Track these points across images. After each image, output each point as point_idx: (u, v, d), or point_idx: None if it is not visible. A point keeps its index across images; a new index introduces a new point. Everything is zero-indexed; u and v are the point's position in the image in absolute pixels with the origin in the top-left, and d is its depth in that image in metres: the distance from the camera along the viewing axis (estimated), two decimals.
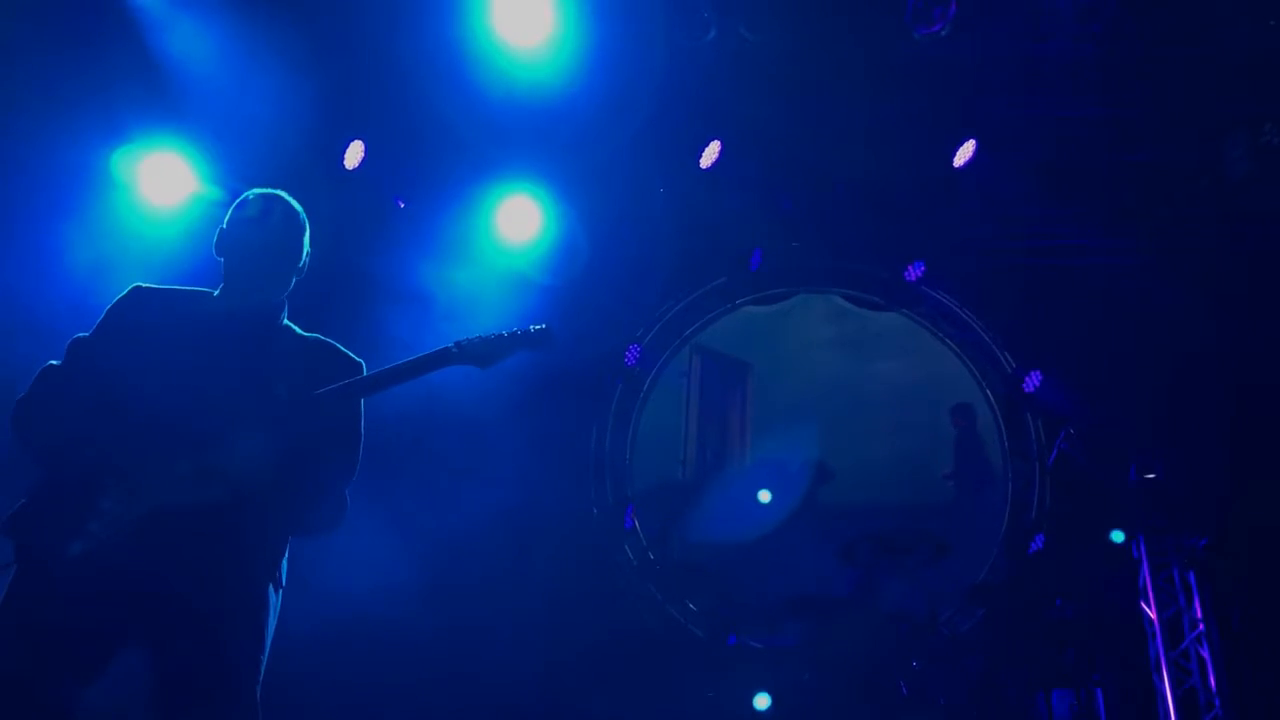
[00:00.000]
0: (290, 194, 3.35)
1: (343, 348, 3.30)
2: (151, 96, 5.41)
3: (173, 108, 5.49)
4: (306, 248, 3.29)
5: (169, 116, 5.52)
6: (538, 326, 3.20)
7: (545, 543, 6.12)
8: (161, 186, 5.59)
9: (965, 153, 6.05)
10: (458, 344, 3.16)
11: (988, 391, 6.66)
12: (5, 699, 2.82)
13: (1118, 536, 5.77)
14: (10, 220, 5.29)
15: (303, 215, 3.29)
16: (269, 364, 3.12)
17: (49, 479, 3.00)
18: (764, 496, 6.43)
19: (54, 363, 3.12)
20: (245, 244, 3.18)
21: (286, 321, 3.29)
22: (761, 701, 5.73)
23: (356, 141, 5.99)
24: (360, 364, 3.29)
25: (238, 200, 3.26)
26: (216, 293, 3.26)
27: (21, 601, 2.89)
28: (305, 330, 3.31)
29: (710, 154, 6.14)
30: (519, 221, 6.25)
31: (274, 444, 3.01)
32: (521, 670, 5.80)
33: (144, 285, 3.23)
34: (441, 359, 3.15)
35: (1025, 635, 5.47)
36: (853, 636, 5.30)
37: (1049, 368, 6.51)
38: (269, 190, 3.29)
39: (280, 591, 3.14)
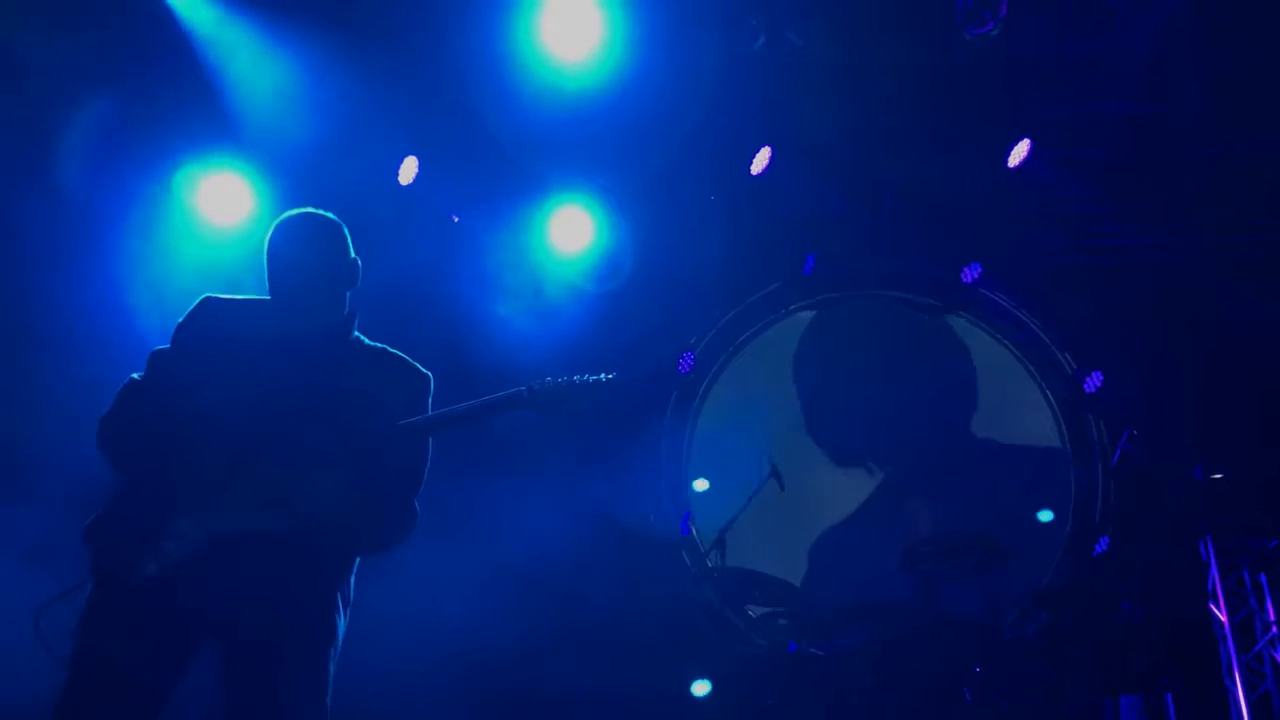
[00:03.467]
0: (345, 211, 3.40)
1: (411, 361, 3.34)
2: (209, 118, 5.52)
3: (230, 129, 5.60)
4: (349, 259, 3.31)
5: (226, 137, 5.63)
6: (607, 376, 3.24)
7: (602, 552, 6.14)
8: (222, 206, 5.70)
9: (1020, 152, 5.99)
10: (529, 389, 3.21)
11: (1048, 393, 6.58)
12: (81, 715, 2.89)
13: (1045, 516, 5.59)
14: (81, 240, 5.42)
15: (336, 228, 3.31)
16: (341, 382, 3.17)
17: (127, 492, 3.07)
18: (700, 485, 6.41)
19: (135, 376, 3.19)
20: (282, 275, 3.23)
21: (356, 334, 3.33)
22: (700, 688, 5.76)
23: (410, 157, 6.06)
24: (428, 377, 3.33)
25: (275, 226, 3.31)
26: (279, 303, 3.30)
27: (99, 616, 2.96)
28: (372, 341, 3.36)
29: (761, 160, 6.14)
30: (571, 232, 6.30)
31: (347, 470, 3.06)
32: (579, 680, 5.82)
33: (214, 296, 3.29)
34: (512, 402, 3.20)
35: (1091, 640, 5.38)
36: (915, 642, 5.25)
37: (1110, 368, 6.42)
38: (297, 211, 3.32)
39: (348, 608, 3.18)
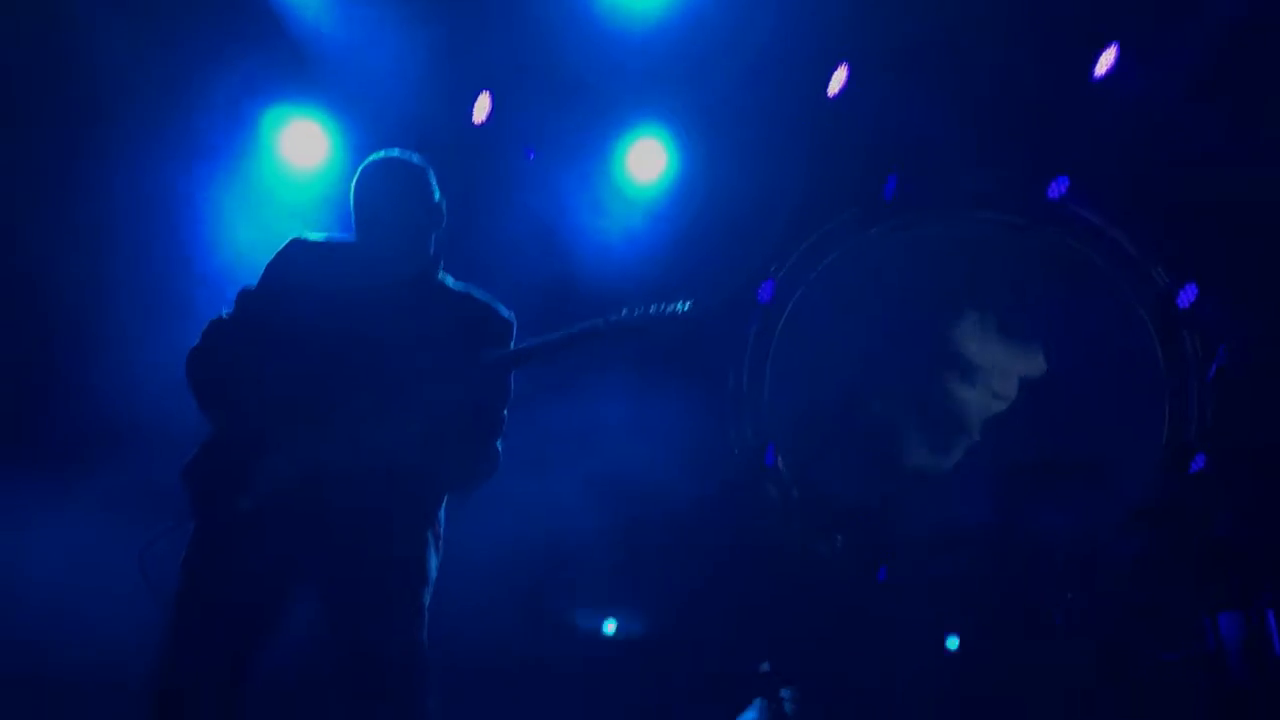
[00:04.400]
0: (421, 150, 3.41)
1: (495, 303, 3.37)
2: (289, 63, 5.57)
3: (308, 73, 5.64)
4: (434, 201, 3.32)
5: (306, 82, 5.68)
6: (684, 305, 3.23)
7: (687, 485, 6.16)
8: (302, 149, 5.77)
9: (1106, 61, 5.80)
10: (606, 321, 3.22)
11: (1140, 308, 6.40)
12: (186, 649, 2.99)
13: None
14: (170, 186, 5.52)
15: (423, 171, 3.33)
16: (426, 323, 3.21)
17: (219, 432, 3.15)
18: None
19: (223, 313, 3.25)
20: (368, 218, 3.26)
21: (441, 275, 3.37)
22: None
23: (484, 94, 6.04)
24: (511, 320, 3.37)
25: (362, 167, 3.34)
26: (365, 244, 3.34)
27: (200, 554, 3.06)
28: (457, 282, 3.39)
29: (838, 80, 6.02)
30: (647, 163, 6.26)
31: (430, 409, 3.11)
32: (664, 613, 5.89)
33: (303, 237, 3.34)
34: (590, 335, 3.21)
35: (1188, 559, 5.28)
36: (1005, 567, 5.21)
37: (1205, 280, 6.23)
38: (382, 154, 3.34)
39: (441, 542, 3.25)
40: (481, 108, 6.06)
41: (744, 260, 6.62)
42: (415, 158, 3.32)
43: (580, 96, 6.09)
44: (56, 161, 5.34)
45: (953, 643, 5.13)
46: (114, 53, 5.20)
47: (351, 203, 3.28)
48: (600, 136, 6.25)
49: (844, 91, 6.03)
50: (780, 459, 6.63)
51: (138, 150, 5.43)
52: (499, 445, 3.26)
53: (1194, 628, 5.10)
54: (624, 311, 3.22)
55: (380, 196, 3.23)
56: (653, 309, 3.21)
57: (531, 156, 6.33)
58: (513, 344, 3.31)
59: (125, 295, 5.30)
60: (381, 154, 3.33)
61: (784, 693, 3.78)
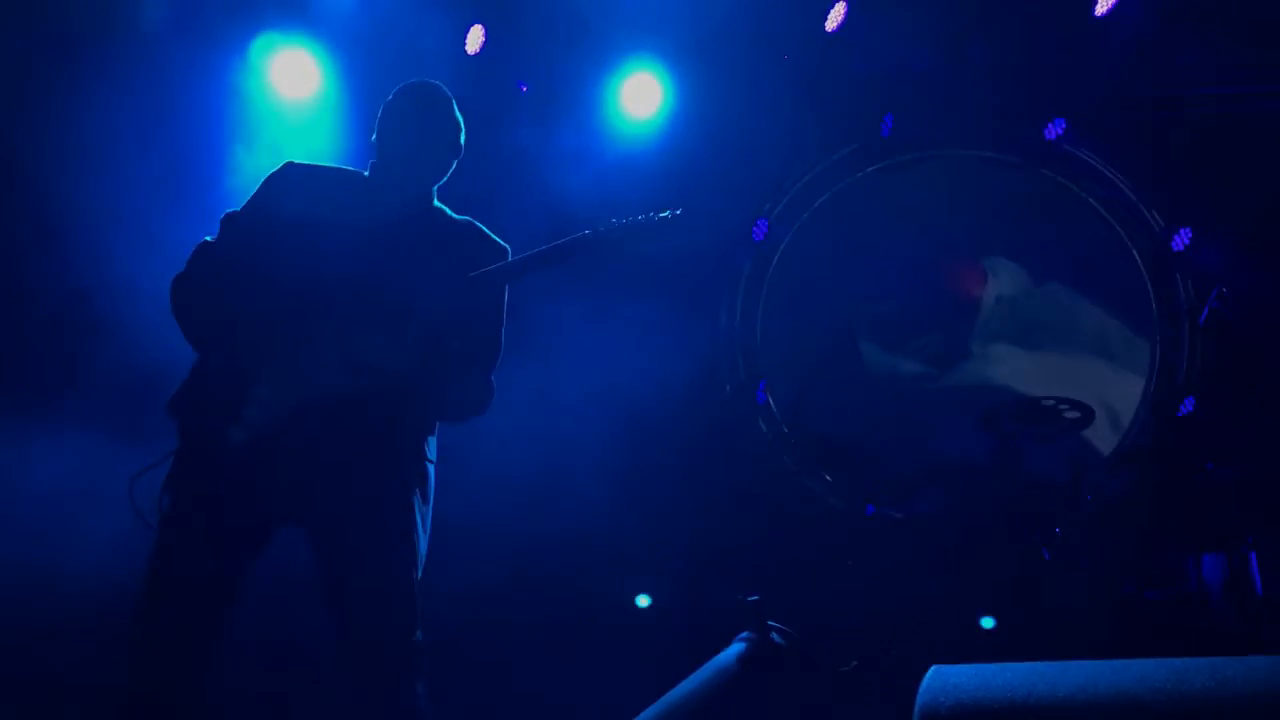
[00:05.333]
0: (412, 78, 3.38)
1: (490, 232, 3.35)
2: None
3: (300, 3, 5.56)
4: (461, 133, 3.32)
5: (296, 11, 5.60)
6: (672, 211, 3.20)
7: (678, 421, 6.19)
8: (292, 81, 5.70)
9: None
10: (594, 231, 3.19)
11: (1134, 251, 6.40)
12: (173, 579, 3.00)
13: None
14: (161, 112, 5.46)
15: (452, 102, 3.32)
16: (420, 248, 3.19)
17: (207, 362, 3.12)
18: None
19: (208, 239, 3.21)
20: (402, 136, 3.24)
21: (438, 204, 3.34)
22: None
23: (476, 26, 5.97)
24: (506, 248, 3.35)
25: (396, 90, 3.30)
26: (368, 174, 3.31)
27: (187, 484, 3.05)
28: (454, 212, 3.37)
29: (836, 16, 5.95)
30: (641, 99, 6.19)
31: (422, 329, 3.09)
32: (656, 548, 5.93)
33: (295, 162, 3.30)
34: (578, 246, 3.18)
35: (1174, 500, 5.33)
36: (994, 503, 5.26)
37: (1200, 225, 6.21)
38: (421, 81, 3.32)
39: (433, 467, 3.24)
40: (475, 39, 5.98)
41: (738, 198, 6.59)
42: (443, 88, 3.31)
43: (574, 29, 6.02)
44: (50, 84, 5.27)
45: (988, 622, 5.15)
46: None
47: (381, 119, 3.25)
48: (594, 71, 6.18)
49: (842, 27, 5.96)
50: (771, 397, 6.65)
51: (128, 79, 5.35)
52: (492, 378, 3.26)
53: (1178, 568, 5.16)
54: (612, 221, 3.20)
55: (416, 122, 3.21)
56: (640, 217, 3.19)
57: (524, 89, 6.26)
58: None
59: (115, 225, 5.25)
60: (417, 81, 3.32)
61: (771, 624, 3.81)
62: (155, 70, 5.37)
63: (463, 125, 3.32)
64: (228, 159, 5.37)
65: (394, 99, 3.27)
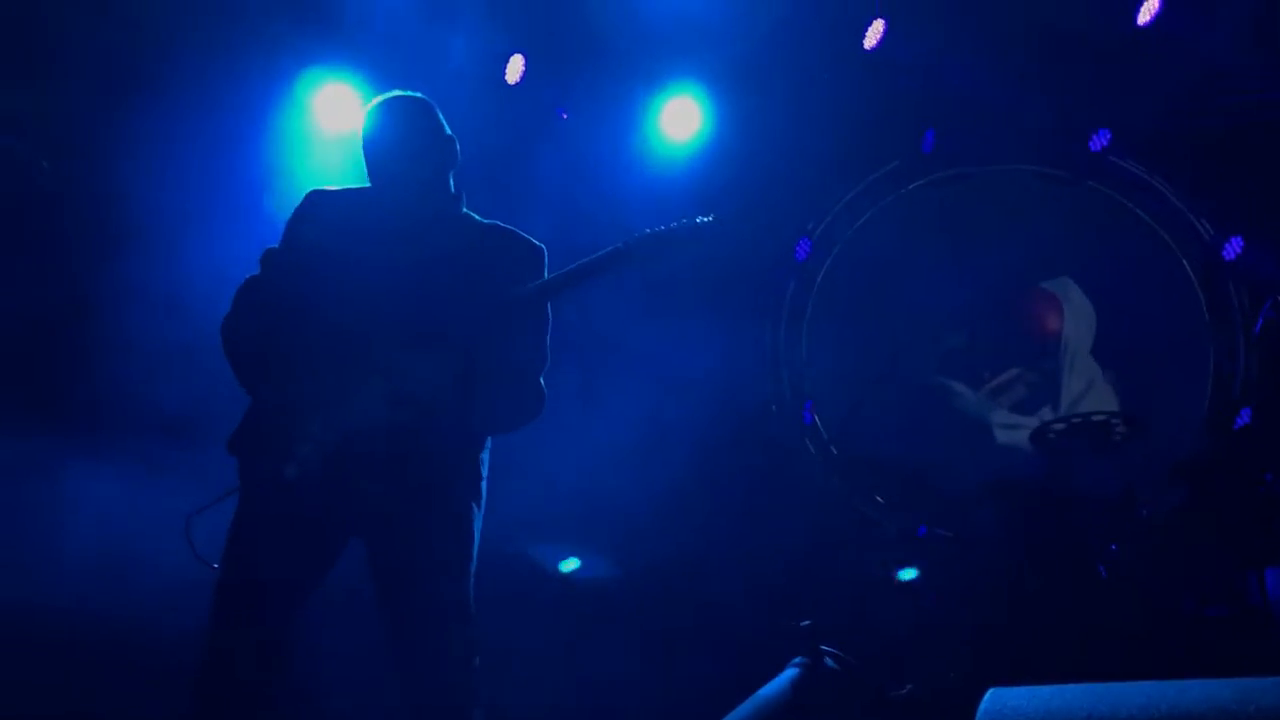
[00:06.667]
0: (453, 111, 3.38)
1: (523, 233, 3.31)
2: (321, 24, 5.56)
3: (341, 33, 5.63)
4: (445, 135, 3.27)
5: (338, 43, 5.67)
6: (705, 218, 3.16)
7: (727, 443, 6.16)
8: (335, 112, 5.76)
9: (1151, 8, 5.67)
10: (625, 243, 3.15)
11: (1184, 262, 6.31)
12: (231, 618, 3.01)
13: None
14: (213, 146, 5.54)
15: (429, 107, 3.27)
16: (453, 258, 3.16)
17: (260, 400, 3.15)
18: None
19: (253, 275, 3.24)
20: (380, 159, 3.22)
21: (465, 210, 3.32)
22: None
23: (517, 55, 6.02)
24: (542, 249, 3.30)
25: (366, 111, 3.29)
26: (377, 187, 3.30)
27: (247, 521, 3.07)
28: (483, 218, 3.34)
29: (874, 34, 5.94)
30: (681, 123, 6.20)
31: (464, 344, 3.08)
32: (705, 570, 5.90)
33: (319, 188, 3.30)
34: (613, 259, 3.14)
35: (1233, 513, 5.23)
36: (1048, 521, 5.18)
37: (1251, 233, 6.12)
38: (385, 95, 3.29)
39: (484, 484, 3.23)
40: (515, 69, 6.03)
41: (780, 218, 6.58)
42: (418, 94, 3.28)
43: (613, 56, 6.05)
44: (98, 122, 5.37)
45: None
46: (156, 15, 5.24)
47: (361, 145, 3.25)
48: (633, 96, 6.21)
49: (881, 45, 5.94)
50: (818, 417, 6.61)
51: (177, 117, 5.44)
52: (542, 381, 3.21)
53: (1238, 583, 5.05)
54: (646, 230, 3.15)
55: (389, 136, 3.16)
56: (674, 224, 3.15)
57: (564, 116, 6.30)
58: (546, 271, 3.25)
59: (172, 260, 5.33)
60: (384, 95, 3.29)
61: (825, 649, 3.77)
62: (201, 107, 5.46)
63: (446, 127, 3.24)
64: (273, 194, 5.43)
65: (366, 118, 3.21)
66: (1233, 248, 6.12)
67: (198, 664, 3.01)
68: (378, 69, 5.77)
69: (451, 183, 3.28)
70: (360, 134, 3.25)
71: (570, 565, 5.97)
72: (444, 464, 3.10)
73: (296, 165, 5.70)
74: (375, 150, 3.21)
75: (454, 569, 3.09)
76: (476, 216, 3.31)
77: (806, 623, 3.86)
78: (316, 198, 3.26)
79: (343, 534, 3.11)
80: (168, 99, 5.36)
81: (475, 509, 3.16)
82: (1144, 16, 5.72)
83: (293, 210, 3.26)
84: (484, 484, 3.20)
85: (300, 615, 3.14)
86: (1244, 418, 6.01)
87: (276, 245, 3.25)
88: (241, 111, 5.62)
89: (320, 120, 5.78)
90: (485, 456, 3.23)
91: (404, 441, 3.03)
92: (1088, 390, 6.39)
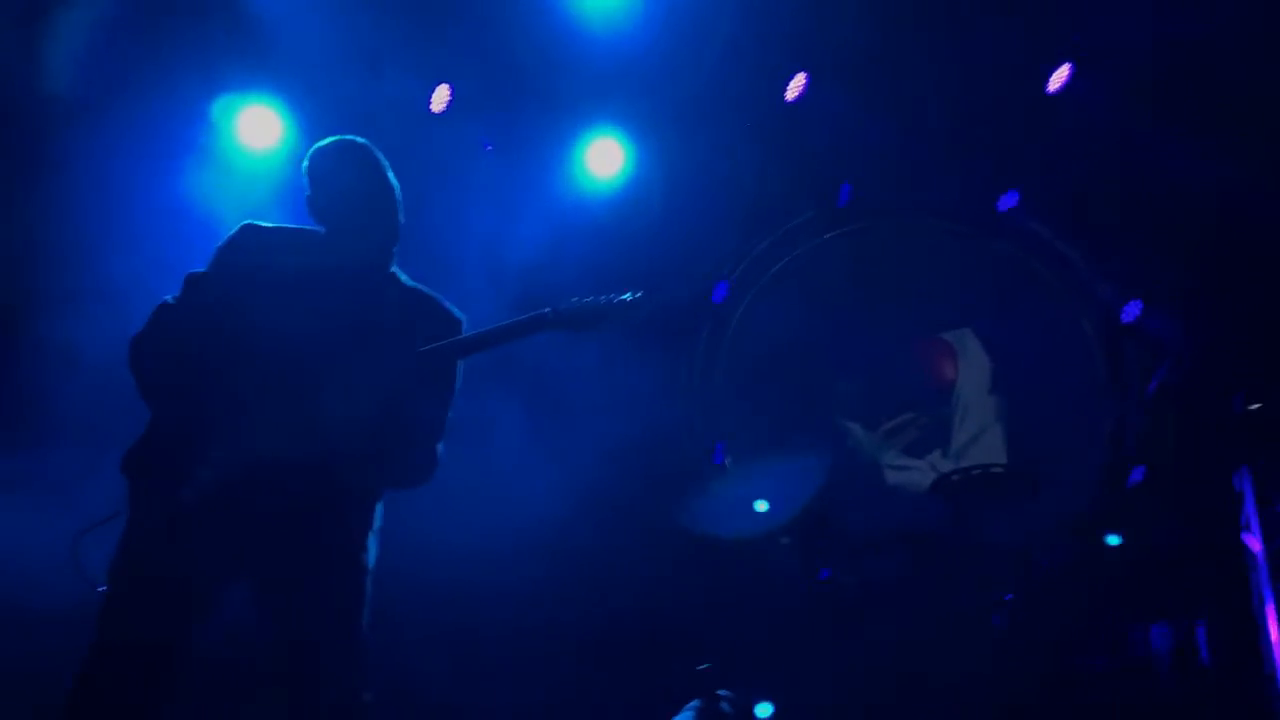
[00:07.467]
0: (377, 138, 3.38)
1: (445, 302, 3.34)
2: (243, 47, 5.52)
3: (263, 57, 5.59)
4: (397, 189, 3.31)
5: (260, 66, 5.63)
6: (633, 296, 3.20)
7: (639, 481, 6.18)
8: (257, 132, 5.73)
9: (1060, 76, 5.88)
10: (554, 310, 3.18)
11: (1084, 322, 6.51)
12: (122, 636, 2.95)
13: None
14: (127, 166, 5.45)
15: (380, 156, 3.30)
16: (374, 315, 3.17)
17: (162, 420, 3.09)
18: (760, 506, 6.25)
19: (168, 299, 3.19)
20: (344, 212, 3.21)
21: (394, 269, 3.32)
22: None
23: (443, 85, 6.02)
24: (461, 320, 3.33)
25: (315, 153, 3.27)
26: (324, 231, 3.28)
27: (139, 543, 3.01)
28: (410, 279, 3.35)
29: (796, 86, 6.06)
30: (604, 162, 6.27)
31: (373, 399, 3.07)
32: (605, 610, 5.90)
33: (255, 223, 3.27)
34: (537, 324, 3.17)
35: (1124, 569, 5.39)
36: (946, 569, 5.28)
37: (1150, 296, 6.33)
38: (339, 139, 3.29)
39: (375, 536, 3.22)
40: (440, 98, 6.03)
41: (699, 260, 6.65)
42: (368, 144, 3.28)
43: (540, 91, 6.09)
44: (21, 150, 5.28)
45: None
46: (70, 43, 5.16)
47: (313, 188, 3.22)
48: (559, 132, 6.25)
49: (802, 97, 6.07)
50: (729, 458, 6.67)
51: (99, 140, 5.36)
52: (440, 448, 3.21)
53: (1126, 637, 5.19)
54: (573, 300, 3.19)
55: (361, 189, 3.17)
56: (602, 298, 3.19)
57: (489, 148, 6.31)
58: None
59: (80, 279, 5.23)
60: (336, 138, 3.28)
61: (721, 693, 3.79)
62: (126, 126, 5.38)
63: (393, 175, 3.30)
64: (194, 213, 5.37)
65: (330, 162, 3.23)
66: (1132, 310, 6.32)
67: (75, 690, 2.92)
68: (301, 91, 5.75)
69: (396, 237, 3.30)
70: (317, 173, 3.22)
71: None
72: (342, 509, 3.09)
73: (218, 184, 5.63)
74: (342, 198, 3.19)
75: (347, 608, 3.07)
76: (403, 276, 3.33)
77: (704, 666, 3.88)
78: (253, 231, 3.24)
79: (233, 565, 3.05)
80: (91, 116, 5.28)
81: (367, 558, 3.15)
82: (1054, 84, 5.91)
83: (225, 239, 3.23)
84: (374, 537, 3.19)
85: (189, 643, 3.07)
86: (1137, 476, 6.18)
87: (203, 270, 3.21)
88: (163, 130, 5.55)
89: (244, 140, 5.73)
90: (380, 509, 3.22)
91: (306, 481, 3.00)
92: (976, 439, 6.55)
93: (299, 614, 3.02)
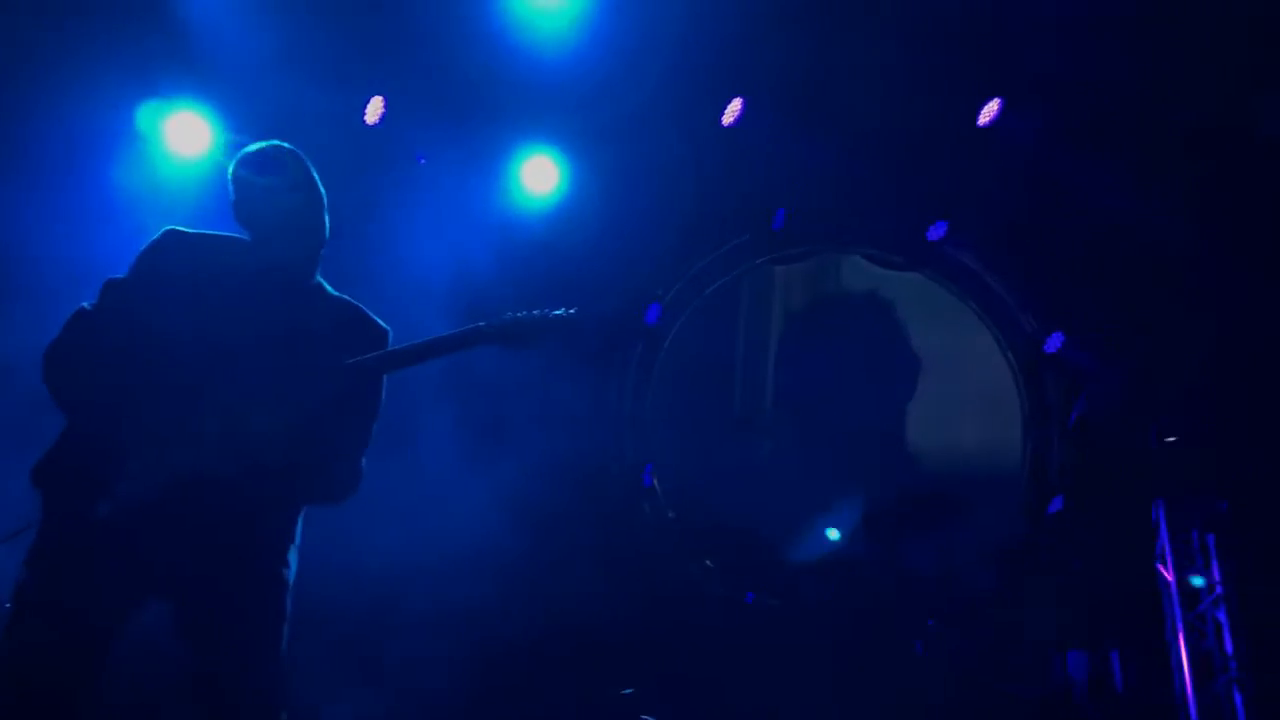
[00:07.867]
0: (309, 149, 3.32)
1: (371, 314, 3.27)
2: (174, 53, 5.42)
3: (194, 64, 5.50)
4: (325, 197, 3.25)
5: (191, 72, 5.53)
6: (567, 311, 3.18)
7: (566, 501, 6.15)
8: (186, 139, 5.63)
9: (990, 111, 5.99)
10: (488, 324, 3.14)
11: (1008, 352, 6.62)
12: (32, 654, 2.84)
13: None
14: (46, 170, 5.32)
15: (309, 164, 3.24)
16: (299, 325, 3.10)
17: (77, 431, 2.99)
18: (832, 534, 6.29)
19: (85, 306, 3.09)
20: (269, 208, 3.14)
21: (318, 279, 3.26)
22: None
23: (377, 98, 5.97)
24: (387, 332, 3.27)
25: (241, 159, 3.20)
26: (250, 239, 3.21)
27: (49, 559, 2.90)
28: (335, 289, 3.29)
29: (732, 111, 6.10)
30: (539, 179, 6.25)
31: (297, 411, 3.01)
32: (536, 628, 5.85)
33: (178, 229, 3.18)
34: (470, 338, 3.13)
35: (1042, 597, 5.47)
36: (870, 594, 5.32)
37: (1071, 329, 6.46)
38: (266, 144, 3.22)
39: (295, 550, 3.15)
40: (374, 110, 5.98)
41: (634, 278, 6.66)
42: (298, 151, 3.21)
43: (475, 107, 6.06)
44: None
45: None
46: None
47: (237, 194, 3.15)
48: (494, 148, 6.22)
49: (738, 122, 6.11)
50: (657, 480, 6.67)
51: (23, 141, 5.23)
52: (363, 463, 3.15)
53: (1043, 664, 5.27)
54: (506, 315, 3.17)
55: (290, 198, 3.09)
56: (535, 313, 3.16)
57: (422, 161, 6.26)
58: None
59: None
60: (263, 144, 3.21)
61: (644, 717, 3.77)
62: (51, 130, 5.26)
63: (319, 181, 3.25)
64: (123, 216, 5.26)
65: (255, 166, 3.13)
66: (1054, 342, 6.43)
67: None
68: (233, 100, 5.66)
69: (323, 247, 3.24)
70: (242, 178, 3.14)
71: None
72: (262, 524, 3.01)
73: (146, 190, 5.52)
74: (267, 204, 3.12)
75: (266, 625, 3.00)
76: (328, 286, 3.26)
77: (628, 691, 3.86)
78: (175, 237, 3.13)
79: (150, 581, 2.96)
80: (16, 117, 5.15)
81: (287, 573, 3.08)
82: (984, 118, 6.02)
83: (147, 244, 3.13)
84: (294, 551, 3.12)
85: (101, 668, 2.97)
86: (1056, 505, 6.29)
87: (123, 275, 3.11)
88: (90, 132, 5.42)
89: (173, 146, 5.63)
90: (300, 523, 3.15)
91: (226, 494, 2.93)
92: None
93: (217, 630, 2.94)
